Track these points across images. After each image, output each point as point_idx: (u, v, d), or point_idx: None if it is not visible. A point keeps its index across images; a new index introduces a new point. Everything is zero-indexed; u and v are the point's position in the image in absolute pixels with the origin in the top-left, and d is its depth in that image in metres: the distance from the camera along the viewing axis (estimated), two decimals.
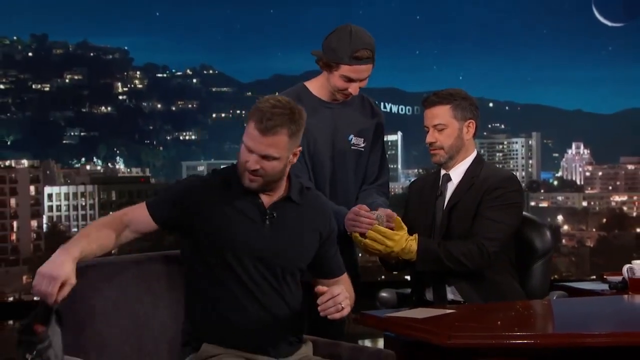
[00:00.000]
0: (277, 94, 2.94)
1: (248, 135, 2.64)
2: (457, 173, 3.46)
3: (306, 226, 2.75)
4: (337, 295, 2.57)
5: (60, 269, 2.42)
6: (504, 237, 3.33)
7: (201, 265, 2.69)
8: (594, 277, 4.15)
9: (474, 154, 3.46)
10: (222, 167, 2.81)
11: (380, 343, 3.17)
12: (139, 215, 2.68)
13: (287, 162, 2.68)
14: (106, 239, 2.62)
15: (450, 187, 3.46)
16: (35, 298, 2.46)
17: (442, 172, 3.49)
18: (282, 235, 2.70)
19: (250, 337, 2.66)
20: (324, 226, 2.80)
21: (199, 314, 2.71)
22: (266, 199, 2.71)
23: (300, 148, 2.74)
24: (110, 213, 2.72)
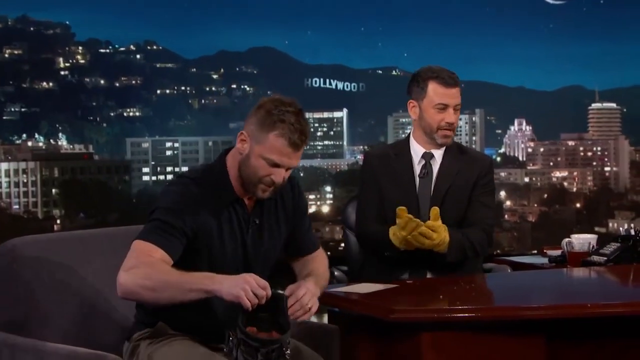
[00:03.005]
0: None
1: (275, 151, 2.55)
2: (439, 152, 3.46)
3: (280, 218, 2.74)
4: (302, 297, 2.54)
5: (248, 276, 2.39)
6: (495, 220, 3.43)
7: (180, 262, 2.56)
8: (535, 251, 4.22)
9: None
10: (207, 165, 2.69)
11: (325, 318, 3.19)
12: (162, 256, 2.50)
13: None
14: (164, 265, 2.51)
15: (434, 168, 3.44)
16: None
17: (421, 149, 3.45)
18: (262, 240, 2.69)
19: (210, 334, 2.63)
20: (296, 206, 2.77)
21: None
22: (249, 202, 2.68)
23: None
24: (140, 263, 2.47)
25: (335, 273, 3.71)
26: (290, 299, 2.52)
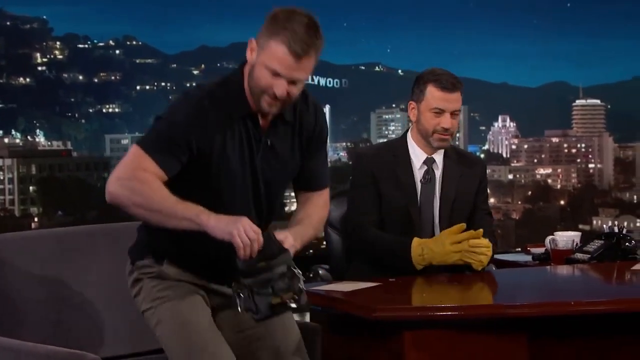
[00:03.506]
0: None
1: (276, 59, 2.41)
2: (439, 157, 3.41)
3: (296, 144, 2.60)
4: (290, 237, 2.47)
5: (239, 218, 2.35)
6: None
7: (186, 186, 2.46)
8: (519, 249, 4.22)
9: None
10: (226, 77, 2.54)
11: (308, 317, 3.19)
12: (156, 172, 2.41)
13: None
14: (162, 186, 2.42)
15: (437, 173, 3.40)
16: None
17: (422, 154, 3.40)
18: (272, 161, 2.56)
19: (212, 273, 2.58)
20: (317, 135, 2.63)
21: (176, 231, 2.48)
22: (263, 121, 2.53)
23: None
24: (127, 176, 2.38)
25: (320, 272, 3.71)
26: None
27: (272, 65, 2.42)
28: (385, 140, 3.55)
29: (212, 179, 2.50)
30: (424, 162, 3.40)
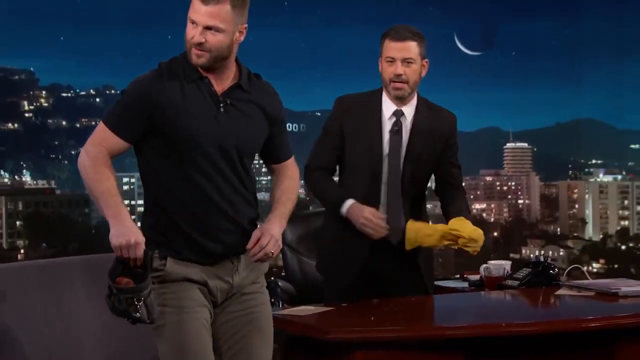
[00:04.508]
0: None
1: (192, 9, 2.48)
2: (408, 110, 3.30)
3: (257, 111, 2.59)
4: (267, 245, 2.50)
5: (131, 235, 2.40)
6: None
7: (165, 163, 2.52)
8: (457, 275, 4.23)
9: (417, 93, 3.34)
10: (169, 59, 2.56)
11: None
12: (114, 143, 2.49)
13: (232, 38, 2.50)
14: (114, 175, 2.50)
15: (406, 125, 3.29)
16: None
17: (393, 106, 3.28)
18: (237, 121, 2.55)
19: (215, 235, 2.53)
20: (275, 110, 2.63)
21: (168, 211, 2.52)
22: (218, 87, 2.54)
23: (246, 26, 2.53)
24: (88, 151, 2.48)
25: (280, 283, 3.66)
26: (254, 248, 2.50)
27: (190, 15, 2.49)
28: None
29: (180, 140, 2.50)
30: (393, 114, 3.29)
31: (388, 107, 3.30)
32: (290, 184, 2.70)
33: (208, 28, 2.48)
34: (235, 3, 2.48)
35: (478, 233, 3.24)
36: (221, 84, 2.55)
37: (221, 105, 2.53)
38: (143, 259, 2.42)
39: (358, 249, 3.29)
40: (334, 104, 3.40)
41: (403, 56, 3.22)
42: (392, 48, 3.23)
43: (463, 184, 3.44)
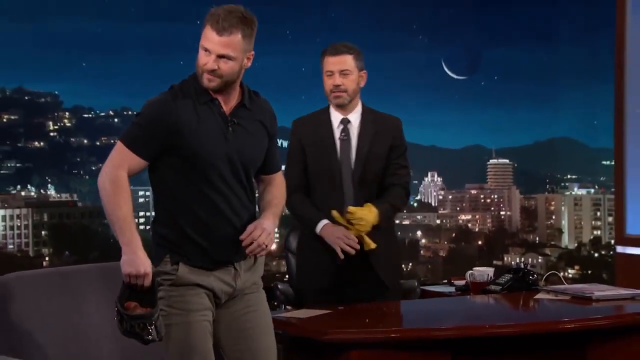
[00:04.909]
0: None
1: (205, 38, 2.48)
2: (354, 117, 3.36)
3: (259, 127, 2.61)
4: (259, 237, 2.50)
5: (142, 266, 2.40)
6: (410, 176, 3.42)
7: (178, 178, 2.52)
8: (445, 281, 4.23)
9: (361, 101, 3.40)
10: (180, 82, 2.57)
11: None
12: (134, 163, 2.49)
13: (242, 64, 2.52)
14: (130, 200, 2.49)
15: (353, 131, 3.35)
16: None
17: (340, 115, 3.35)
18: (243, 138, 2.56)
19: (222, 244, 2.54)
20: (271, 125, 2.64)
21: (179, 221, 2.53)
22: (226, 107, 2.55)
23: (253, 53, 2.56)
24: (108, 172, 2.45)
25: (280, 286, 3.65)
26: (246, 240, 2.50)
27: (203, 44, 2.49)
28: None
29: (194, 157, 2.50)
30: (341, 122, 3.35)
31: (336, 117, 3.38)
32: (278, 192, 2.69)
33: (221, 56, 2.49)
34: (246, 33, 2.50)
35: (364, 213, 3.22)
36: (228, 103, 2.57)
37: (229, 124, 2.55)
38: (151, 286, 2.41)
39: (326, 261, 3.34)
40: (291, 125, 3.50)
41: (340, 68, 3.31)
42: (330, 62, 3.33)
43: (409, 182, 3.43)
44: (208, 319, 2.56)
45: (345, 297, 3.30)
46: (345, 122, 3.36)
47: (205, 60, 2.50)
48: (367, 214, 3.22)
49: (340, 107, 3.33)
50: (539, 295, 3.40)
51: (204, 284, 2.55)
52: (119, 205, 2.46)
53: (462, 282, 3.81)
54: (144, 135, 2.50)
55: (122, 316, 2.40)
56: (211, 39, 2.49)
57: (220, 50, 2.49)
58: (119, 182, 2.47)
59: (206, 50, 2.50)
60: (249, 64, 2.57)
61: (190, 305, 2.53)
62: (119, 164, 2.49)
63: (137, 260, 2.42)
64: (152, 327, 2.38)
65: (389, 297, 3.35)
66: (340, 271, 3.35)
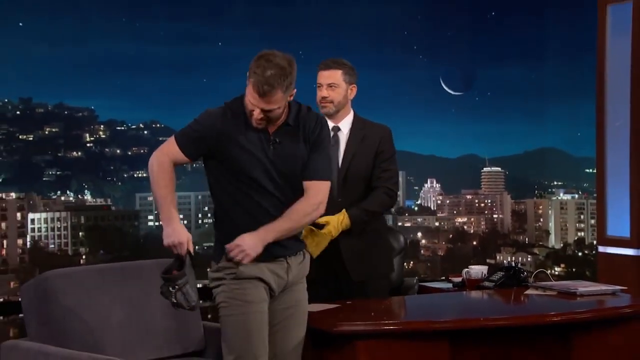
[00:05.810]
0: None
1: (250, 95, 2.50)
2: (344, 125, 3.32)
3: (300, 142, 2.61)
4: (234, 250, 2.51)
5: (177, 236, 2.46)
6: (398, 178, 3.35)
7: (228, 183, 2.57)
8: (443, 278, 4.22)
9: (352, 112, 3.35)
10: (232, 100, 2.60)
11: None
12: (178, 157, 2.54)
13: (285, 105, 2.54)
14: (173, 180, 2.55)
15: (342, 137, 3.31)
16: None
17: (331, 124, 3.29)
18: (283, 154, 2.57)
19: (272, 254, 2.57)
20: (312, 134, 2.62)
21: (236, 220, 2.57)
22: (271, 128, 2.58)
23: (295, 90, 2.55)
24: (157, 156, 2.53)
25: None
26: (232, 245, 2.51)
27: (249, 99, 2.51)
28: None
29: (237, 168, 2.55)
30: (332, 129, 3.28)
31: (329, 125, 3.29)
32: (301, 205, 2.60)
33: (266, 111, 2.52)
34: (286, 83, 2.50)
35: (330, 217, 3.11)
36: (273, 126, 2.59)
37: (271, 143, 2.58)
38: (185, 254, 2.47)
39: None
40: None
41: (328, 82, 3.29)
42: (321, 76, 3.30)
43: (393, 184, 3.30)
44: (264, 310, 2.60)
45: (319, 294, 3.13)
46: (335, 129, 3.33)
47: (252, 108, 2.53)
48: (332, 218, 3.14)
49: (328, 116, 3.30)
50: (528, 291, 3.39)
51: (263, 277, 2.59)
52: (160, 186, 2.52)
53: (459, 279, 3.80)
54: (193, 135, 2.56)
55: (161, 279, 2.47)
56: (255, 98, 2.50)
57: (264, 107, 2.51)
58: (163, 166, 2.53)
59: (253, 104, 2.52)
60: (292, 99, 2.59)
61: (250, 297, 2.57)
62: (166, 153, 2.55)
63: (173, 232, 2.47)
64: (174, 290, 2.44)
65: (368, 293, 3.25)
66: (317, 272, 3.13)
